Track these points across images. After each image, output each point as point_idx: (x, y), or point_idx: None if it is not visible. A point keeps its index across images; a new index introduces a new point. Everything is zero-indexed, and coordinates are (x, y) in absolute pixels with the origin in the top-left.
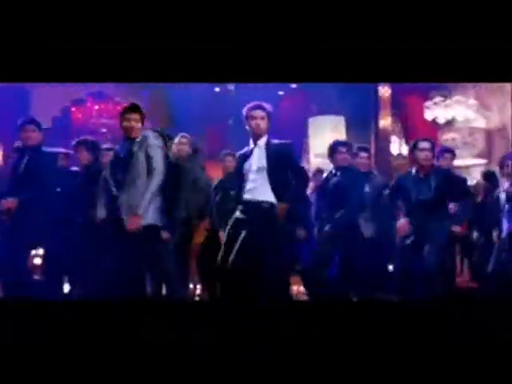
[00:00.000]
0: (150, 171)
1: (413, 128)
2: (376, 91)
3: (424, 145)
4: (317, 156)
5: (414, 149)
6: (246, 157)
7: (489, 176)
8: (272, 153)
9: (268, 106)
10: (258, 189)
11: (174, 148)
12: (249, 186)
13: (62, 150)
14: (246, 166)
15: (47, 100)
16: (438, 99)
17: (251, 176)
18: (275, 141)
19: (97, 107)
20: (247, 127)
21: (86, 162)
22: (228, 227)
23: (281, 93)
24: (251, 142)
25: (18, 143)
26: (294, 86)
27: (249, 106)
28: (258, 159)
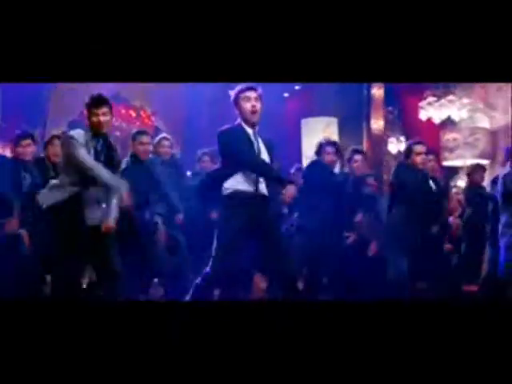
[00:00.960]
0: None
1: (414, 128)
2: (369, 91)
3: (420, 148)
4: (309, 158)
5: (409, 153)
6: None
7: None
8: (267, 144)
9: (259, 89)
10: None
11: (154, 148)
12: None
13: None
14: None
15: (64, 104)
16: (431, 99)
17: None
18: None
19: None
20: (238, 112)
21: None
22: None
23: (286, 94)
24: (246, 128)
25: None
26: (298, 87)
27: (238, 88)
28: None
